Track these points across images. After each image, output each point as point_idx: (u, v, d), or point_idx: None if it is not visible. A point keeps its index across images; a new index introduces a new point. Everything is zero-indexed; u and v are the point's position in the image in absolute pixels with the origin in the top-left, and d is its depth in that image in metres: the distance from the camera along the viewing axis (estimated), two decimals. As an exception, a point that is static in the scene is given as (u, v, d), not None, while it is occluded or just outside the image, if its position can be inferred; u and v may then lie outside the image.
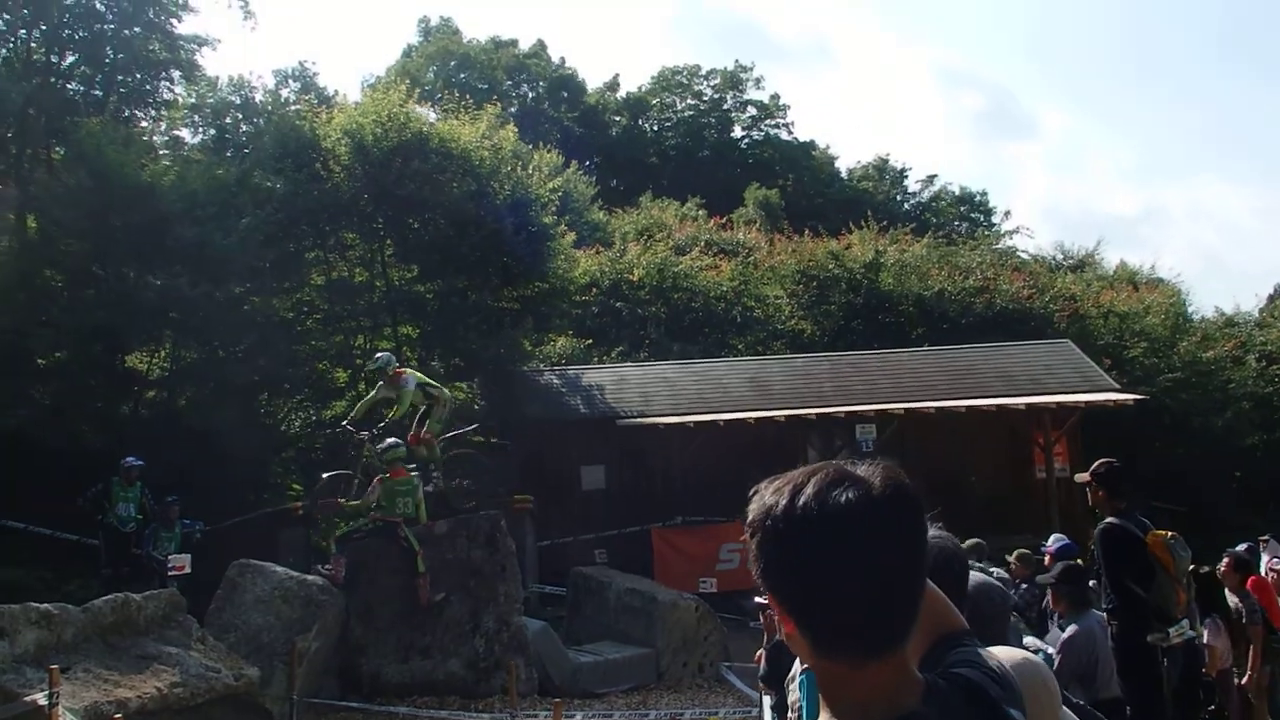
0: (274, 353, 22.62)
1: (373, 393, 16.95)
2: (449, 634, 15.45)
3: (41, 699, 9.37)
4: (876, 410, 21.80)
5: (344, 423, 17.10)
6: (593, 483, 22.71)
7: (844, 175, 64.15)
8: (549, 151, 29.57)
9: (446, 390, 17.42)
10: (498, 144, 24.11)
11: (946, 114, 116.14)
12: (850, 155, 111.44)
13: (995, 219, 59.85)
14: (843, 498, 1.78)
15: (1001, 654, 2.32)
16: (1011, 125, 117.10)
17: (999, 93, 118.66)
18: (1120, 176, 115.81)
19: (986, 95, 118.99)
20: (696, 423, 21.82)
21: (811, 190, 59.04)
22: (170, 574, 15.50)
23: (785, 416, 21.87)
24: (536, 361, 26.13)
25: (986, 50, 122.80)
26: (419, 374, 17.18)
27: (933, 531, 2.52)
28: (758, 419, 21.65)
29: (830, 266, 31.85)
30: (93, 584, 17.24)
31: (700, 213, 43.22)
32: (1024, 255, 42.86)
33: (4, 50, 26.08)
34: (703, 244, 35.24)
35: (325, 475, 16.79)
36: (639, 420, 22.37)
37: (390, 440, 15.63)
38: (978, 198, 62.14)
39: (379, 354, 17.15)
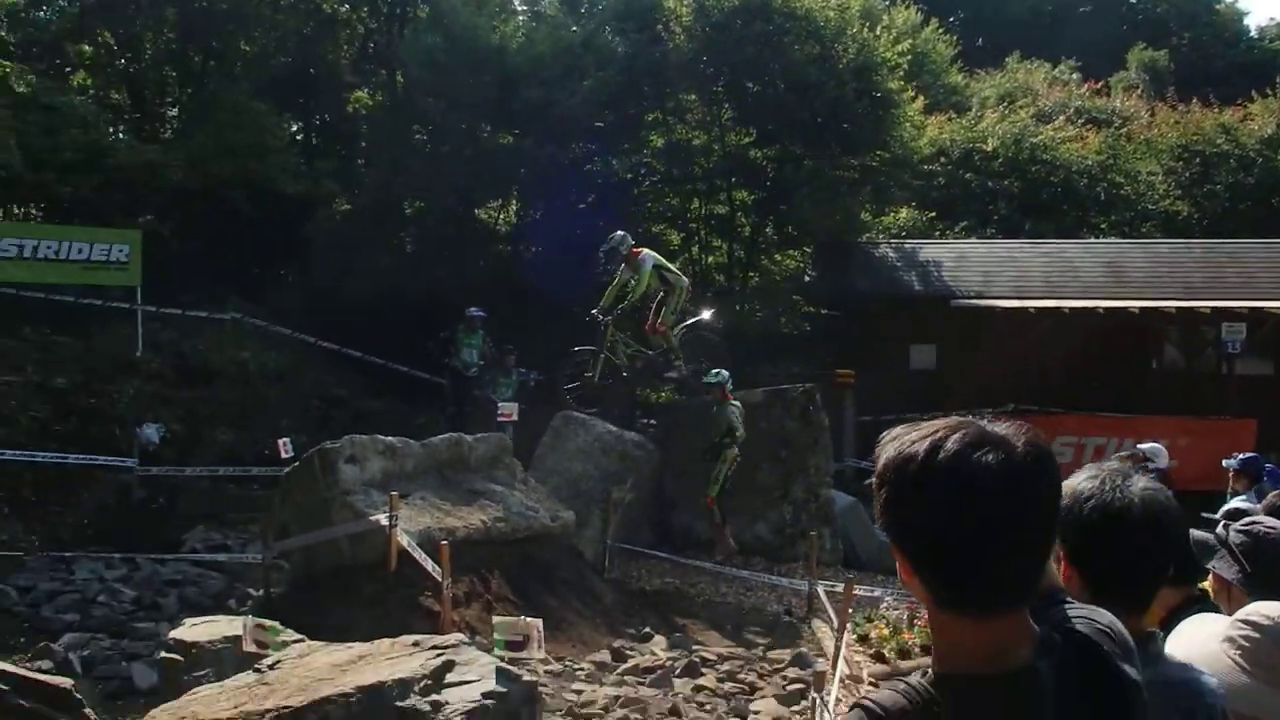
0: (612, 212, 23.19)
1: (616, 279, 16.33)
2: (758, 499, 15.69)
3: (383, 520, 10.23)
4: (1250, 308, 19.87)
5: (593, 311, 16.55)
6: (922, 362, 22.15)
7: (1253, 34, 57.19)
8: (906, 8, 28.27)
9: (684, 278, 16.80)
10: (844, 3, 23.34)
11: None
12: (1264, 10, 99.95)
13: None
14: (984, 459, 1.75)
15: None
16: None
17: None
18: None
19: None
20: (1039, 308, 20.71)
21: (1211, 52, 52.44)
22: (499, 420, 16.41)
23: (1140, 308, 20.22)
24: (873, 233, 25.49)
25: None
26: (657, 255, 16.75)
27: (1144, 482, 2.53)
28: (1108, 309, 20.26)
29: (1219, 141, 28.71)
30: (438, 419, 18.65)
31: (1073, 76, 39.86)
32: None
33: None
34: (1071, 111, 32.56)
35: (574, 350, 16.85)
36: (976, 301, 21.50)
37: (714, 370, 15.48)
38: None
39: (614, 234, 16.50)
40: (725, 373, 15.22)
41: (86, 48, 26.24)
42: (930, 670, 1.84)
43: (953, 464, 1.75)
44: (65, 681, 7.69)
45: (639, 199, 24.74)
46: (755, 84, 23.02)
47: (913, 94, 24.51)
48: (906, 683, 1.82)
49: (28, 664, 9.13)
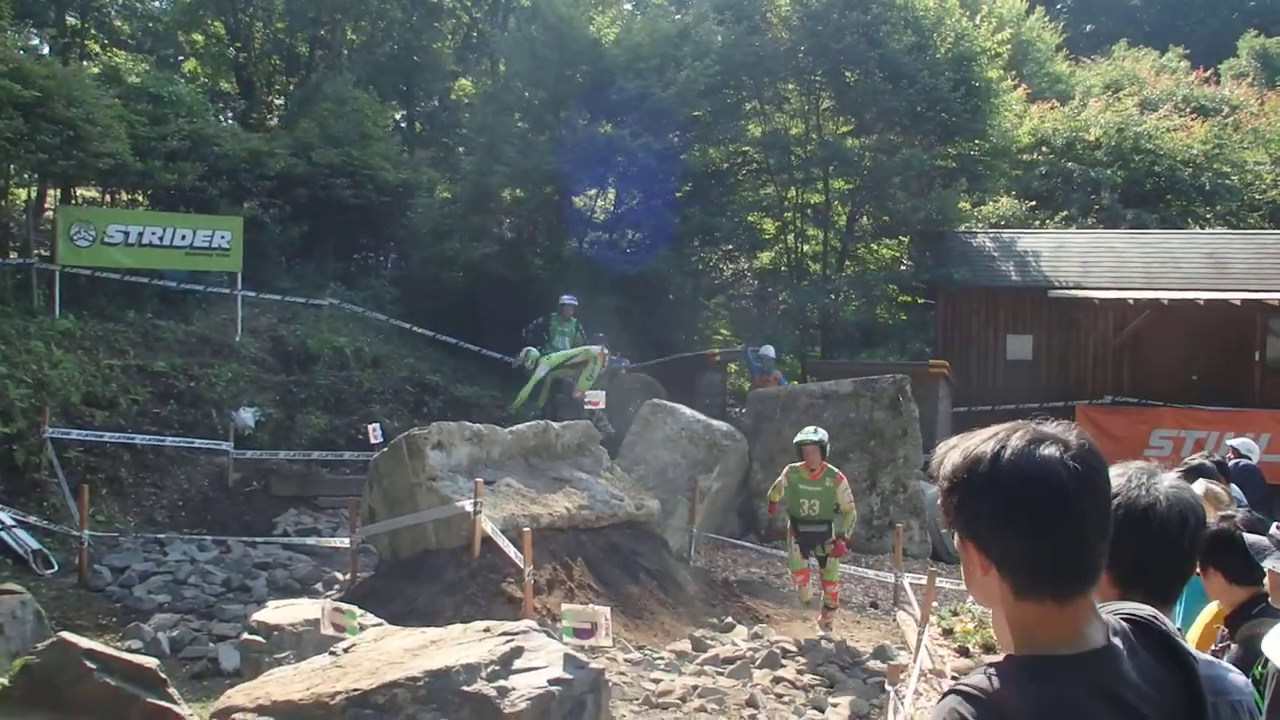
0: (707, 202, 23.17)
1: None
2: (846, 490, 15.53)
3: (468, 506, 10.33)
4: (1357, 303, 19.27)
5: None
6: (1018, 353, 21.77)
7: (1369, 20, 55.35)
8: (1010, -4, 27.83)
9: (595, 347, 17.73)
10: (944, -7, 23.11)
11: None
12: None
13: None
14: (1046, 452, 1.88)
15: None
16: None
17: None
18: None
19: None
20: (1137, 300, 20.29)
21: (1325, 39, 51.39)
22: (586, 407, 16.49)
23: (1242, 300, 19.66)
24: (971, 222, 25.12)
25: None
26: (552, 357, 17.79)
27: (1170, 480, 2.61)
28: (1208, 300, 19.76)
29: (1331, 130, 28.02)
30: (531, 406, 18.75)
31: (1181, 64, 39.00)
32: None
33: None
34: (1178, 100, 31.89)
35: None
36: (1074, 292, 21.10)
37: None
38: None
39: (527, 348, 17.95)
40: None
41: (197, 37, 26.86)
42: (1013, 654, 1.93)
43: (1020, 459, 1.88)
44: (150, 661, 7.89)
45: (735, 188, 24.69)
46: (853, 74, 22.89)
47: (1013, 83, 24.09)
48: (994, 665, 1.90)
49: (118, 643, 9.37)
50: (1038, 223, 26.27)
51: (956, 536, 1.98)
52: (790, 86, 24.29)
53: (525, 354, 17.55)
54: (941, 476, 1.97)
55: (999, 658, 1.93)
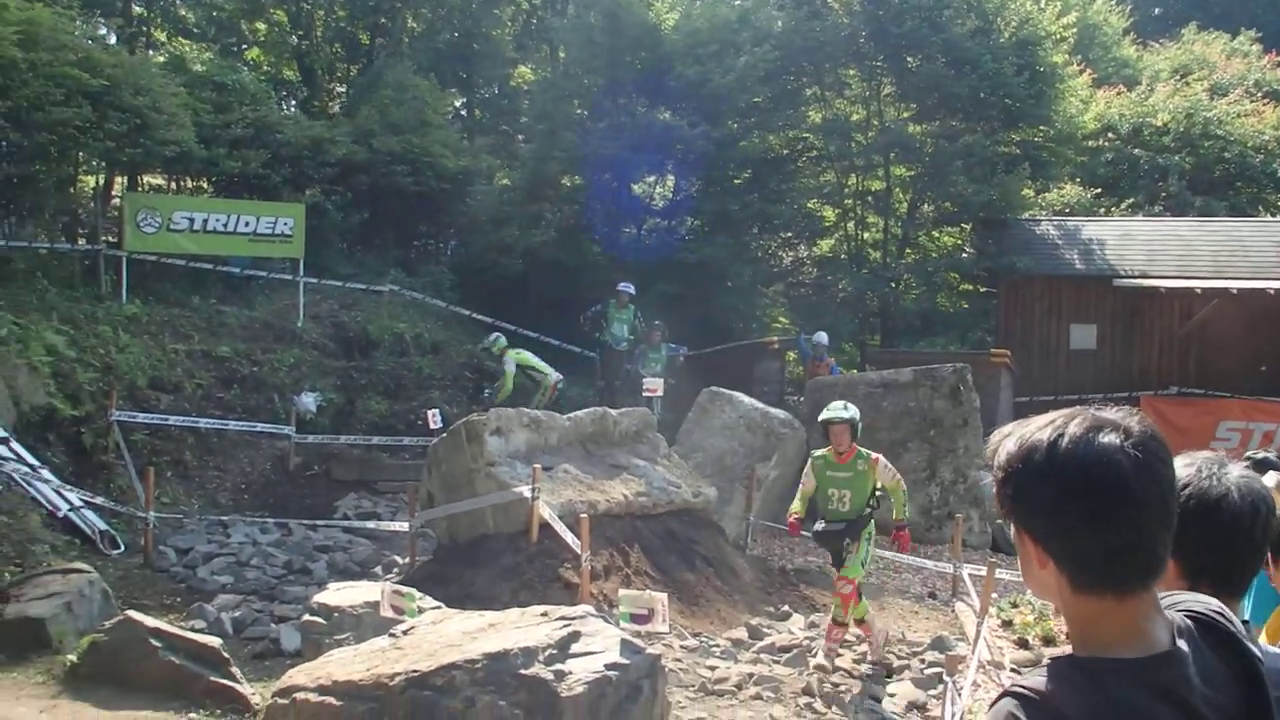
0: (766, 188, 23.07)
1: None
2: (904, 479, 15.37)
3: (526, 491, 10.39)
4: None
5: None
6: (1082, 342, 21.51)
7: None
8: (1075, -17, 27.42)
9: (552, 374, 17.39)
10: (1007, -23, 22.82)
11: None
12: None
13: None
14: (1106, 439, 1.82)
15: None
16: None
17: None
18: None
19: None
20: (1204, 289, 19.95)
21: (1404, 20, 50.00)
22: (645, 394, 16.51)
23: (1316, 289, 19.42)
24: (1034, 210, 24.82)
25: None
26: (524, 354, 17.59)
27: (1239, 470, 2.54)
28: (1279, 290, 19.43)
29: None
30: (589, 393, 18.86)
31: (1252, 48, 38.18)
32: None
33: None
34: (1249, 85, 31.20)
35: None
36: (1139, 281, 20.81)
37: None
38: None
39: (492, 335, 17.80)
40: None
41: (260, 26, 27.12)
42: (1072, 654, 1.87)
43: (1078, 447, 1.81)
44: (213, 640, 8.03)
45: (794, 175, 24.58)
46: (915, 59, 22.71)
47: (1079, 68, 23.75)
48: (1052, 667, 1.83)
49: (182, 623, 9.51)
50: (1103, 210, 25.95)
51: (1012, 528, 1.93)
52: (851, 72, 24.14)
53: (494, 339, 17.46)
54: (996, 465, 1.91)
55: (1058, 655, 1.87)
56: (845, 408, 9.73)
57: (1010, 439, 1.90)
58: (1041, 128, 23.25)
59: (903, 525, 9.77)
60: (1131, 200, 26.30)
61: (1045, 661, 1.88)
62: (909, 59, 22.79)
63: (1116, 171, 27.28)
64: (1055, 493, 1.82)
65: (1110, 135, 27.46)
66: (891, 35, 22.00)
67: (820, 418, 9.85)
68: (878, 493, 9.76)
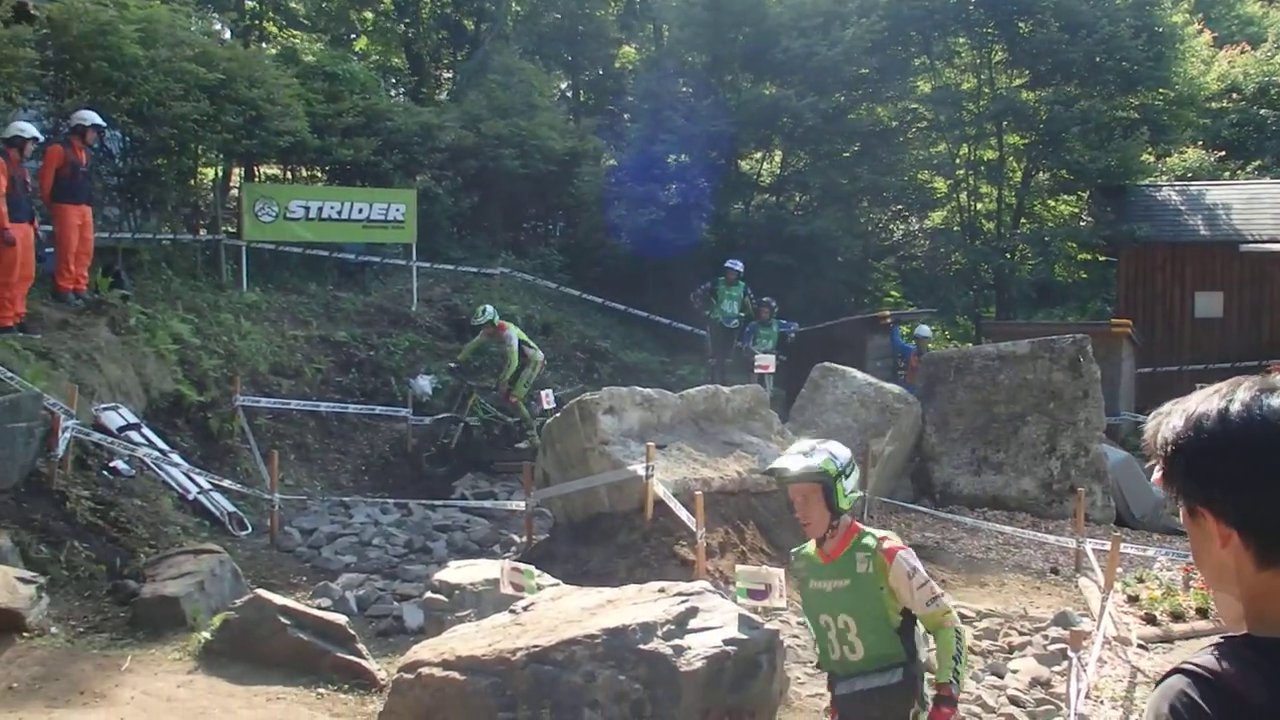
0: (875, 161, 22.80)
1: (474, 340, 16.88)
2: (1023, 453, 15.20)
3: (641, 470, 10.40)
4: None
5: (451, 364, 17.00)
6: (1207, 310, 20.94)
7: None
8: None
9: (540, 352, 16.75)
10: (1122, -65, 22.21)
11: None
12: None
13: None
14: (1278, 401, 1.71)
15: None
16: None
17: None
18: None
19: None
20: (1338, 251, 19.33)
21: None
22: (757, 371, 16.45)
23: None
24: (1155, 175, 24.17)
25: None
26: (518, 330, 16.96)
27: None
28: None
29: None
30: (699, 371, 18.86)
31: (1391, -1, 36.73)
32: None
33: None
34: (1386, 37, 30.03)
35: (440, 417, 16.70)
36: (1268, 245, 20.17)
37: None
38: None
39: (484, 308, 16.76)
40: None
41: (368, 15, 27.52)
42: (1248, 633, 1.75)
43: (1252, 410, 1.72)
44: (339, 617, 8.20)
45: (904, 146, 24.26)
46: (1027, 24, 22.27)
47: (1199, 27, 23.03)
48: (1225, 646, 1.72)
49: (308, 601, 9.72)
50: (1228, 174, 25.18)
51: (1183, 510, 1.81)
52: (961, 40, 23.75)
53: (487, 312, 16.73)
54: (1160, 444, 1.80)
55: (1231, 634, 1.76)
56: (810, 452, 4.84)
57: (1172, 416, 1.80)
58: (1161, 90, 22.65)
59: (949, 692, 4.63)
60: (1258, 162, 25.52)
61: (1216, 640, 1.75)
62: (1021, 24, 22.36)
63: (1242, 133, 26.46)
64: (1231, 459, 1.72)
65: (1234, 96, 26.62)
66: (1002, 1, 21.56)
67: (769, 468, 5.24)
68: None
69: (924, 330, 18.10)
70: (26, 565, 8.83)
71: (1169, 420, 1.80)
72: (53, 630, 8.20)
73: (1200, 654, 1.73)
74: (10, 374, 10.64)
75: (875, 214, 24.72)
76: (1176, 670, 1.71)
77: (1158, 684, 1.74)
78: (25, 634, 7.90)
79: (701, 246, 21.89)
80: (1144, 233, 21.03)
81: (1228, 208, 21.66)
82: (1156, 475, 1.83)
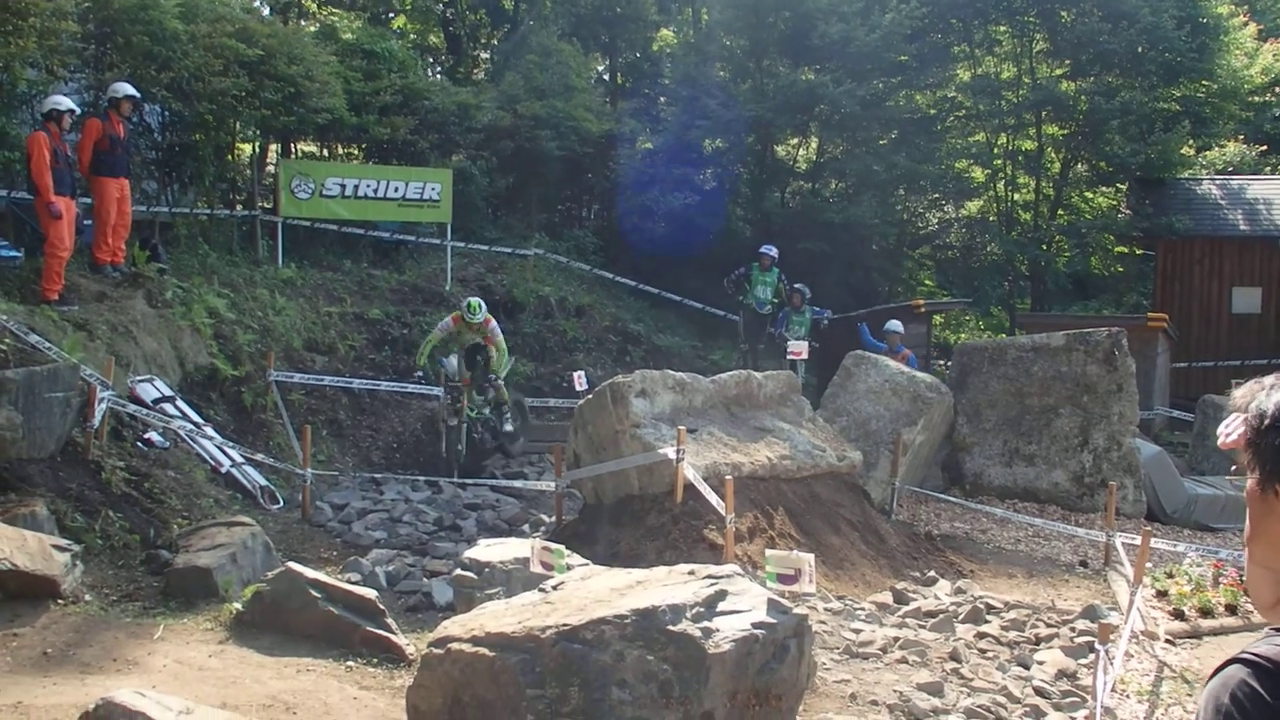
0: (913, 149, 22.69)
1: (433, 333, 15.67)
2: (1055, 445, 15.13)
3: (671, 453, 10.42)
4: None
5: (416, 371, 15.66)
6: (1245, 306, 20.75)
7: None
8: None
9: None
10: (1167, -74, 21.97)
11: None
12: None
13: None
14: None
15: None
16: None
17: None
18: None
19: None
20: (1378, 248, 19.12)
21: None
22: (789, 357, 16.42)
23: None
24: (1195, 169, 23.95)
25: None
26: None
27: None
28: None
29: None
30: (732, 356, 18.86)
31: None
32: None
33: None
34: None
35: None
36: (1309, 242, 20.00)
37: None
38: None
39: (473, 299, 15.71)
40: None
41: (407, -6, 27.60)
42: None
43: None
44: (369, 592, 8.25)
45: (942, 135, 24.11)
46: (1069, 14, 22.08)
47: (1244, 19, 22.79)
48: None
49: (339, 575, 9.79)
50: (1269, 168, 24.90)
51: (1254, 482, 1.79)
52: (1001, 29, 23.57)
53: (478, 305, 16.21)
54: (1256, 414, 1.78)
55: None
56: None
57: (1276, 391, 1.79)
58: (1204, 83, 22.44)
59: None
60: (1302, 157, 25.25)
61: (1275, 628, 1.75)
62: (1062, 14, 22.18)
63: (1285, 128, 26.20)
64: None
65: (1278, 90, 26.30)
66: (1044, -11, 21.45)
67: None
68: None
69: (894, 325, 17.47)
70: (62, 533, 8.93)
71: (1273, 395, 1.78)
72: (87, 598, 8.30)
73: (1259, 644, 1.72)
74: (48, 345, 10.75)
75: (911, 202, 24.62)
76: (1235, 660, 1.70)
77: (1214, 674, 1.72)
78: (60, 600, 7.99)
79: (736, 232, 21.87)
80: (1182, 226, 20.86)
81: (1269, 203, 21.45)
82: (1234, 437, 1.81)
